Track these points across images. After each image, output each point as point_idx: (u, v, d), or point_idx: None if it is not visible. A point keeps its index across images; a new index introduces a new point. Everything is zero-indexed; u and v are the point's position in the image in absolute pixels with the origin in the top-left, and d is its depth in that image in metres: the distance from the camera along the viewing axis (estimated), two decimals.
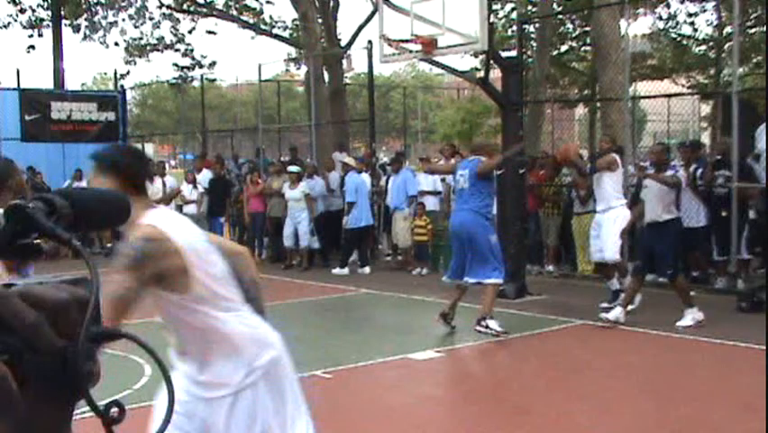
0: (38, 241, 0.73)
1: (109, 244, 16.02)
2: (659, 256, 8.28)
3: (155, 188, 11.14)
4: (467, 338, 8.00)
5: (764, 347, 6.01)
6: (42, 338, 0.64)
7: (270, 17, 22.48)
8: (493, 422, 5.72)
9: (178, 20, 22.79)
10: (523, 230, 10.71)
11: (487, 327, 7.85)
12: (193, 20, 22.77)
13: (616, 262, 9.16)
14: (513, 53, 12.23)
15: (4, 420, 0.61)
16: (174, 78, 23.20)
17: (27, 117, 17.22)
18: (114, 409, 0.67)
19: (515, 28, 16.00)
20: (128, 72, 22.80)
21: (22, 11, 21.91)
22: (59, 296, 0.66)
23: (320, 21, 19.52)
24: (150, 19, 22.74)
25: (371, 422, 5.70)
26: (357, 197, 12.84)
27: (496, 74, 10.81)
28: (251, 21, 22.45)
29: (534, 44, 18.32)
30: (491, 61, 10.17)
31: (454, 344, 7.93)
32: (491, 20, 11.52)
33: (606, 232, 8.99)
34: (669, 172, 8.59)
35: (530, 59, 16.54)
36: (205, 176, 15.04)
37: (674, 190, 8.50)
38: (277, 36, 22.36)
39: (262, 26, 22.38)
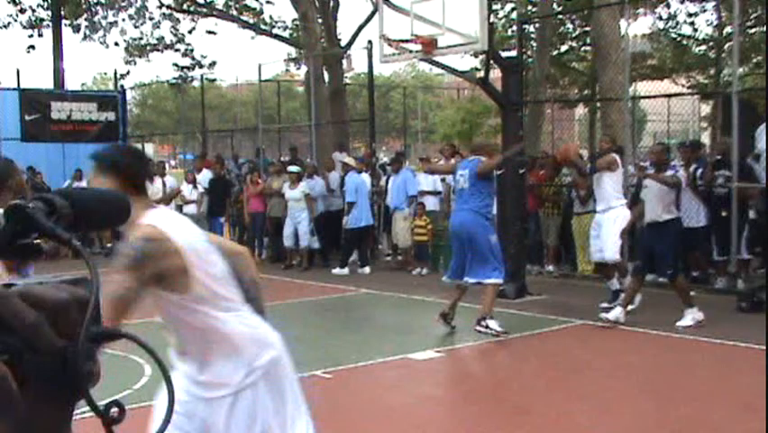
0: (38, 241, 0.73)
1: (109, 244, 16.02)
2: (659, 256, 8.28)
3: (155, 188, 11.13)
4: (467, 338, 7.99)
5: (764, 347, 6.01)
6: (42, 338, 0.64)
7: (270, 17, 22.51)
8: (493, 422, 5.72)
9: (177, 20, 22.80)
10: (523, 230, 10.70)
11: (487, 327, 7.85)
12: (193, 20, 22.77)
13: (616, 262, 9.16)
14: (513, 53, 12.23)
15: (4, 420, 0.61)
16: (174, 78, 23.20)
17: (27, 117, 17.22)
18: (114, 410, 0.67)
19: (515, 28, 16.00)
20: (128, 72, 22.82)
21: (22, 11, 21.91)
22: (59, 296, 0.66)
23: (320, 21, 19.52)
24: (150, 19, 22.75)
25: (371, 422, 5.69)
26: (357, 197, 12.84)
27: (496, 74, 10.81)
28: (251, 21, 22.44)
29: (535, 44, 18.31)
30: (491, 61, 10.18)
31: (454, 344, 7.93)
32: (491, 20, 11.52)
33: (606, 232, 9.00)
34: (669, 172, 8.59)
35: (530, 60, 16.53)
36: (205, 176, 15.04)
37: (674, 190, 8.50)
38: (277, 36, 22.36)
39: (262, 26, 22.38)
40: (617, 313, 8.31)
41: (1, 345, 0.62)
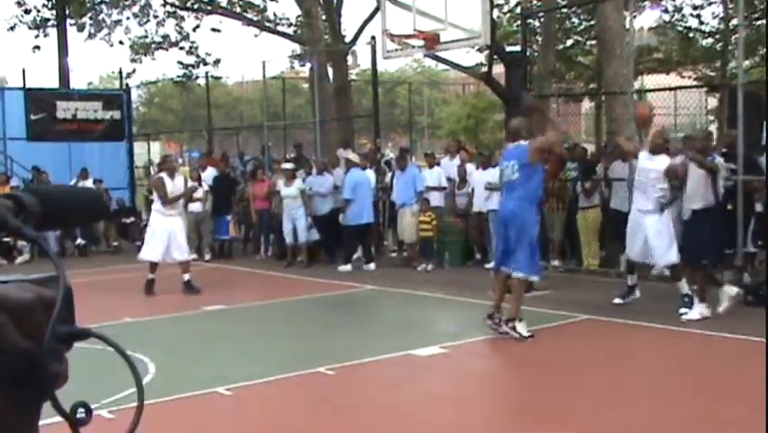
0: (7, 240, 0.72)
1: (116, 243, 16.06)
2: (695, 243, 8.18)
3: (175, 185, 10.93)
4: (472, 334, 7.97)
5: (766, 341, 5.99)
6: (6, 339, 0.63)
7: (274, 14, 22.53)
8: (496, 418, 5.71)
9: (182, 18, 22.80)
10: None
11: (513, 328, 7.55)
12: (197, 17, 22.77)
13: (673, 264, 8.68)
14: (517, 48, 12.19)
15: None
16: (179, 76, 23.22)
17: (33, 117, 17.27)
18: (81, 411, 0.66)
19: (519, 22, 15.95)
20: (134, 71, 22.82)
21: (27, 11, 21.96)
22: (22, 296, 0.65)
23: (324, 17, 19.49)
24: (155, 17, 22.76)
25: (373, 419, 5.68)
26: (355, 194, 12.79)
27: (502, 69, 10.79)
28: (255, 18, 22.44)
29: (540, 39, 18.25)
30: (495, 56, 10.15)
31: (459, 340, 7.90)
32: (496, 15, 11.50)
33: (654, 239, 8.54)
34: (707, 159, 8.47)
35: (535, 54, 16.46)
36: (209, 174, 15.04)
37: (711, 178, 8.35)
38: (281, 33, 22.34)
39: (266, 23, 22.37)
40: (699, 311, 8.16)
41: None
